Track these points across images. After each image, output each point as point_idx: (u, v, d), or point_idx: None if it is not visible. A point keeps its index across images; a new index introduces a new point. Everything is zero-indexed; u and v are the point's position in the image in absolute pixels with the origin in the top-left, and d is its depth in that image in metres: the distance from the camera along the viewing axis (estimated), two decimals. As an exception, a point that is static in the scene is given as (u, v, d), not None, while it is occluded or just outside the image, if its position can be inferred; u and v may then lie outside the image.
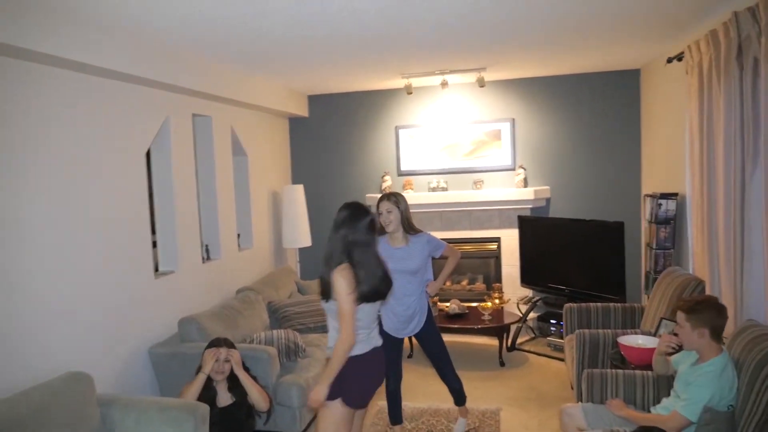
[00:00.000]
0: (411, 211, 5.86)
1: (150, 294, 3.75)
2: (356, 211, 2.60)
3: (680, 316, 2.52)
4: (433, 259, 3.50)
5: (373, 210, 2.99)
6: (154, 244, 3.99)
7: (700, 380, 2.46)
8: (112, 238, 3.40)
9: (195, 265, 4.29)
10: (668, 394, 2.82)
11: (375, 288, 2.55)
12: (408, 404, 4.15)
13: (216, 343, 3.27)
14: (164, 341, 3.78)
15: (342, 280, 2.46)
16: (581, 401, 3.13)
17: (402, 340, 3.49)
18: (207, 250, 4.62)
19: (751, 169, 2.86)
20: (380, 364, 2.67)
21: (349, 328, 2.45)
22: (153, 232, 3.97)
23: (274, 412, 3.48)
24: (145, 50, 3.41)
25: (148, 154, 3.90)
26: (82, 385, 2.68)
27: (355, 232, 2.53)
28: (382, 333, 2.89)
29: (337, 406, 2.53)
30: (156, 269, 3.99)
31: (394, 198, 3.34)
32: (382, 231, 3.33)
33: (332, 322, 2.60)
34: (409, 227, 3.35)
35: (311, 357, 3.98)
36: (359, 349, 2.54)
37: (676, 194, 4.32)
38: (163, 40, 3.41)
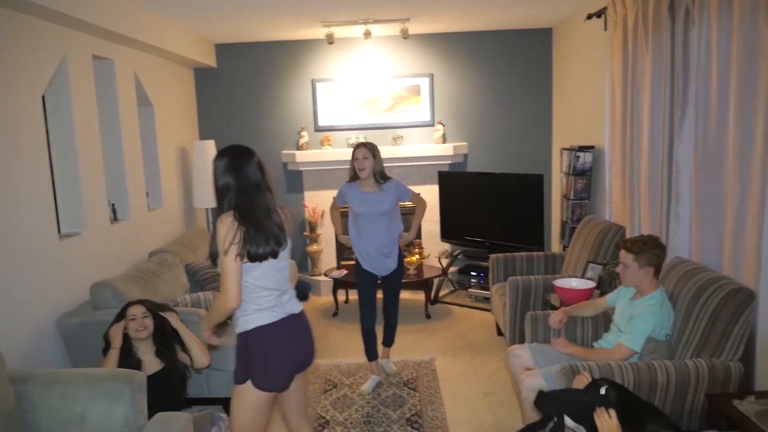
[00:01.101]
0: (331, 168, 5.84)
1: (55, 258, 3.31)
2: (239, 154, 2.17)
3: (627, 256, 2.64)
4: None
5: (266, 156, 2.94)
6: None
7: (644, 313, 2.61)
8: (8, 194, 2.93)
9: (103, 226, 3.85)
10: (606, 330, 2.98)
11: (266, 242, 2.12)
12: (343, 361, 4.10)
13: (124, 309, 2.94)
14: (74, 310, 3.38)
15: (222, 228, 2.06)
16: (520, 343, 3.23)
17: (377, 279, 3.65)
18: (114, 210, 4.17)
19: (681, 117, 3.03)
20: (298, 334, 2.25)
21: (230, 287, 2.06)
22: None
23: (209, 377, 3.27)
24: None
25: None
26: (-11, 362, 2.30)
27: (242, 178, 2.13)
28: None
29: (248, 390, 2.16)
30: (59, 231, 3.53)
31: (370, 146, 3.50)
32: (355, 177, 3.53)
33: None
34: (380, 176, 3.52)
35: (243, 318, 3.77)
36: (266, 317, 2.15)
37: (592, 147, 4.54)
38: (62, -38, 2.93)
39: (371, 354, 3.72)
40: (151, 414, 2.47)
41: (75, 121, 3.55)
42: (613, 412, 1.95)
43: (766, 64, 2.35)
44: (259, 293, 2.14)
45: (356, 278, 3.68)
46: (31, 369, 2.74)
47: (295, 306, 2.31)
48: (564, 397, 2.22)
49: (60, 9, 3.08)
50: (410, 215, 4.06)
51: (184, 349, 2.97)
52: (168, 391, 2.92)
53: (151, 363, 2.93)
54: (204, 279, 4.29)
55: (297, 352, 2.26)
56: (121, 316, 2.94)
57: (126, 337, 2.88)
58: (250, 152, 2.20)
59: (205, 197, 5.32)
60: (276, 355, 2.18)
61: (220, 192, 2.16)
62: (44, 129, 3.32)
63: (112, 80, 4.09)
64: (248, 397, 2.19)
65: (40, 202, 3.19)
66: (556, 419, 2.11)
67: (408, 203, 3.79)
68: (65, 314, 3.31)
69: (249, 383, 2.17)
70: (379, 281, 3.67)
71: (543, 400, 2.17)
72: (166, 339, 2.98)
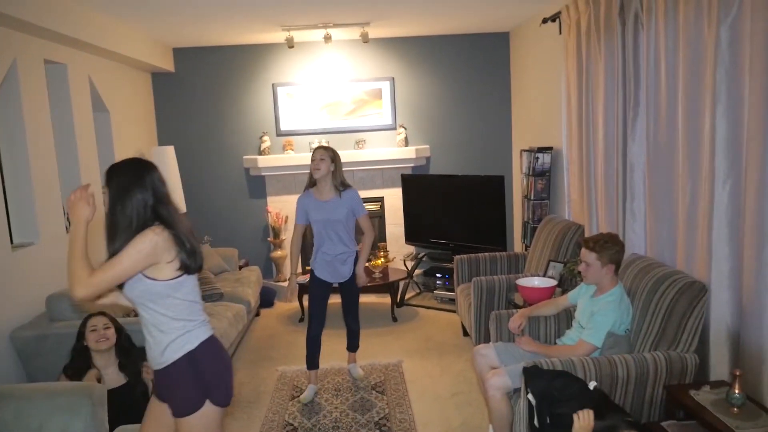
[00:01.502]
0: (293, 173, 5.79)
1: (7, 270, 3.19)
2: (140, 167, 1.97)
3: (589, 255, 2.70)
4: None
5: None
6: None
7: (604, 309, 2.68)
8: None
9: (59, 235, 3.73)
10: (568, 327, 3.05)
11: (196, 254, 1.97)
12: (310, 366, 4.07)
13: (86, 321, 2.84)
14: (29, 323, 3.26)
15: (156, 239, 1.86)
16: (485, 343, 3.28)
17: (330, 287, 3.62)
18: (69, 219, 4.04)
19: (633, 117, 3.13)
20: (224, 349, 2.13)
21: (103, 281, 1.85)
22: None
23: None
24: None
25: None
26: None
27: (154, 191, 1.94)
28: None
29: (209, 412, 1.98)
30: (11, 241, 3.40)
31: (331, 150, 3.48)
32: (312, 183, 3.52)
33: (151, 325, 1.96)
34: (340, 184, 3.48)
35: (206, 327, 3.70)
36: (206, 332, 2.02)
37: (550, 148, 4.65)
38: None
39: (311, 362, 3.63)
40: (112, 429, 2.40)
41: (26, 127, 3.44)
42: (591, 412, 2.00)
43: (711, 66, 2.46)
44: (193, 308, 1.99)
45: (309, 285, 3.63)
46: (-18, 386, 2.63)
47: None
48: (553, 379, 2.26)
49: (9, 12, 2.98)
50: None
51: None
52: (131, 405, 2.85)
53: (114, 376, 2.86)
54: (165, 288, 4.19)
55: (230, 364, 2.11)
56: (82, 329, 2.85)
57: (86, 349, 2.80)
58: (153, 165, 2.01)
59: (165, 204, 5.21)
60: (227, 363, 2.09)
61: (136, 208, 1.91)
62: (-7, 136, 3.20)
63: (65, 85, 3.98)
64: (210, 420, 1.99)
65: (-10, 212, 3.07)
66: (533, 399, 2.15)
67: (360, 223, 3.59)
68: (19, 327, 3.20)
69: (207, 404, 1.97)
70: (335, 286, 3.64)
71: (532, 374, 2.20)
72: (129, 352, 2.91)
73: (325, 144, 5.70)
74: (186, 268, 1.94)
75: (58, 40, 3.72)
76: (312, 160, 3.43)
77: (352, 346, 3.89)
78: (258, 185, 5.89)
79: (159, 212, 1.93)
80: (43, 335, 3.16)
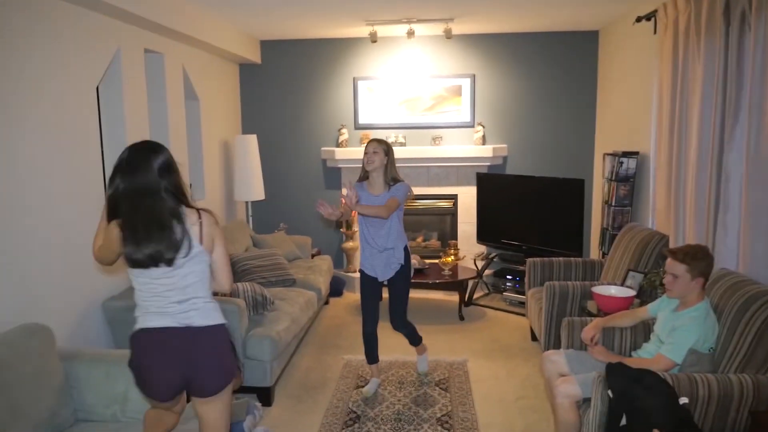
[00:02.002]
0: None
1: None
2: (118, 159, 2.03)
3: (678, 266, 2.56)
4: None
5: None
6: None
7: (687, 324, 2.54)
8: (62, 181, 3.05)
9: (148, 214, 3.96)
10: (645, 340, 2.92)
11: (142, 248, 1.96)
12: (375, 358, 4.11)
13: None
14: (119, 294, 3.49)
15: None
16: (552, 349, 3.19)
17: (381, 285, 3.55)
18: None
19: (732, 124, 2.94)
20: (151, 353, 2.04)
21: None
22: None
23: (245, 367, 3.34)
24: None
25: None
26: (41, 338, 2.40)
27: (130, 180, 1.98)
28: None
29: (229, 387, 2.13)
30: (107, 217, 3.65)
31: (384, 144, 3.41)
32: (365, 176, 3.46)
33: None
34: (391, 179, 3.41)
35: (279, 310, 3.83)
36: (137, 326, 2.09)
37: (636, 153, 4.44)
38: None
39: (370, 357, 3.64)
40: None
41: (126, 112, 3.67)
42: None
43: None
44: (139, 298, 2.12)
45: (360, 283, 3.60)
46: (77, 347, 2.84)
47: (156, 320, 2.05)
48: (639, 380, 2.18)
49: (115, 3, 3.20)
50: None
51: None
52: None
53: None
54: (243, 270, 4.37)
55: (151, 370, 2.05)
56: None
57: None
58: (153, 149, 2.04)
59: (246, 190, 5.42)
60: (138, 364, 2.09)
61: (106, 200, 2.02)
62: (97, 119, 3.44)
63: (161, 73, 4.21)
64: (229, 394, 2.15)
65: (91, 190, 3.31)
66: (611, 394, 2.09)
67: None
68: (110, 298, 3.43)
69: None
70: (384, 284, 3.57)
71: (615, 371, 2.13)
72: None
73: (403, 139, 5.75)
74: (128, 262, 2.01)
75: (156, 30, 3.94)
76: (365, 153, 3.36)
77: (412, 341, 3.76)
78: (334, 176, 6.00)
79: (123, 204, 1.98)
80: (131, 306, 3.35)
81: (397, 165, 3.50)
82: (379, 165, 3.35)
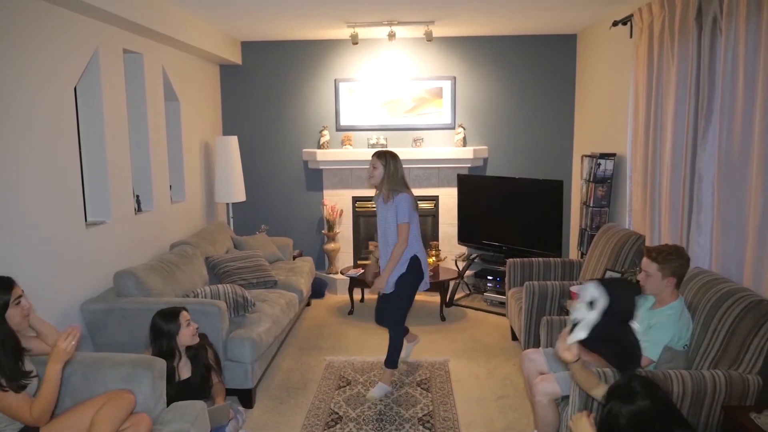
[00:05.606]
0: (350, 168, 5.86)
1: (81, 245, 3.39)
2: None
3: (651, 265, 2.61)
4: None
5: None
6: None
7: (662, 322, 2.59)
8: (38, 182, 3.01)
9: (128, 216, 3.93)
10: (622, 338, 2.97)
11: None
12: (357, 359, 4.13)
13: (171, 316, 2.92)
14: (98, 296, 3.45)
15: None
16: (531, 348, 3.23)
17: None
18: (138, 201, 4.25)
19: (705, 126, 3.01)
20: None
21: None
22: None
23: (225, 369, 3.32)
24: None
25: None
26: (17, 342, 2.37)
27: None
28: None
29: None
30: (85, 219, 3.62)
31: (384, 158, 3.51)
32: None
33: None
34: (392, 189, 3.49)
35: (260, 312, 3.82)
36: None
37: (613, 154, 4.52)
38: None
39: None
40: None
41: (105, 113, 3.64)
42: (591, 418, 1.95)
43: (794, 75, 2.34)
44: None
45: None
46: (55, 352, 2.80)
47: None
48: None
49: (93, 2, 3.16)
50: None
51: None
52: (194, 394, 2.90)
53: (185, 367, 2.96)
54: (223, 272, 4.35)
55: None
56: (173, 319, 2.90)
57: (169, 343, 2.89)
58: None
59: (227, 192, 5.40)
60: None
61: None
62: (75, 120, 3.40)
63: (140, 74, 4.18)
64: None
65: (68, 190, 3.27)
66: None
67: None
68: (89, 300, 3.39)
69: None
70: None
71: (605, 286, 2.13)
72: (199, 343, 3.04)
73: (384, 141, 5.78)
74: None
75: (135, 30, 3.91)
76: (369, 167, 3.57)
77: (388, 353, 3.69)
78: (315, 178, 6.00)
79: None
80: (110, 309, 3.34)
81: None
82: (380, 179, 3.51)
